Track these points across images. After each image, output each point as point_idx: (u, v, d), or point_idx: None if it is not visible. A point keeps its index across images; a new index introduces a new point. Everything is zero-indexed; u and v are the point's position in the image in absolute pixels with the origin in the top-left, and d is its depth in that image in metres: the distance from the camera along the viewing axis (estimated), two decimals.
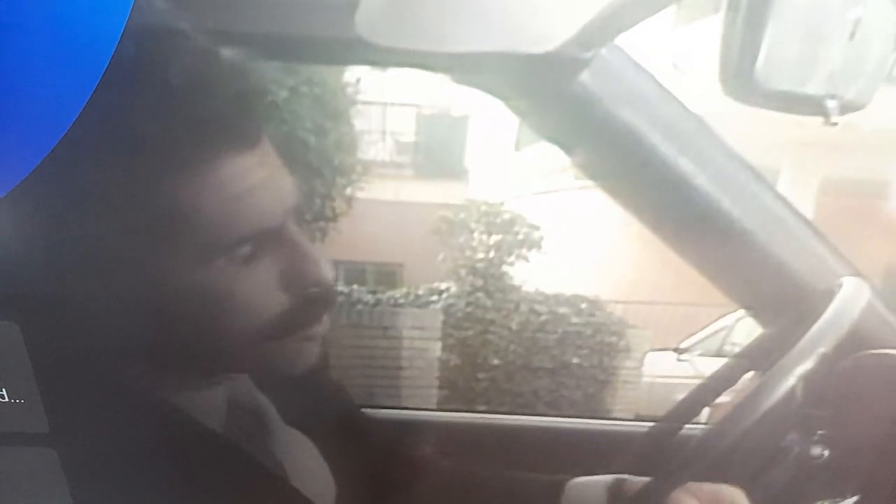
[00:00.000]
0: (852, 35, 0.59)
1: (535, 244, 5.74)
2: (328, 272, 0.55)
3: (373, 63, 0.86)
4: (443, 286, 5.66)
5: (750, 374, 0.87)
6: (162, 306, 0.51)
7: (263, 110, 0.52)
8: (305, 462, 0.64)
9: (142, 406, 0.53)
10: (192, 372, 0.57)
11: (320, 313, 0.57)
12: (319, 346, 0.58)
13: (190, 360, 0.56)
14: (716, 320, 5.85)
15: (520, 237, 5.72)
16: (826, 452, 0.78)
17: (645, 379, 5.36)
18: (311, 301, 0.55)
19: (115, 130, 0.45)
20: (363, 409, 0.79)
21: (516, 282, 5.58)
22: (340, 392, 0.75)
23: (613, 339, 5.28)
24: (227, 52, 0.50)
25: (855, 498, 0.70)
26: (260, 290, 0.52)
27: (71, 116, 0.40)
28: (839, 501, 0.73)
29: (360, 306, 5.69)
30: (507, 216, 5.84)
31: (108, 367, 0.52)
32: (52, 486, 0.46)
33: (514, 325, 5.29)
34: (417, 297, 5.69)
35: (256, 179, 0.50)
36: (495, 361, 5.07)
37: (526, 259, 5.68)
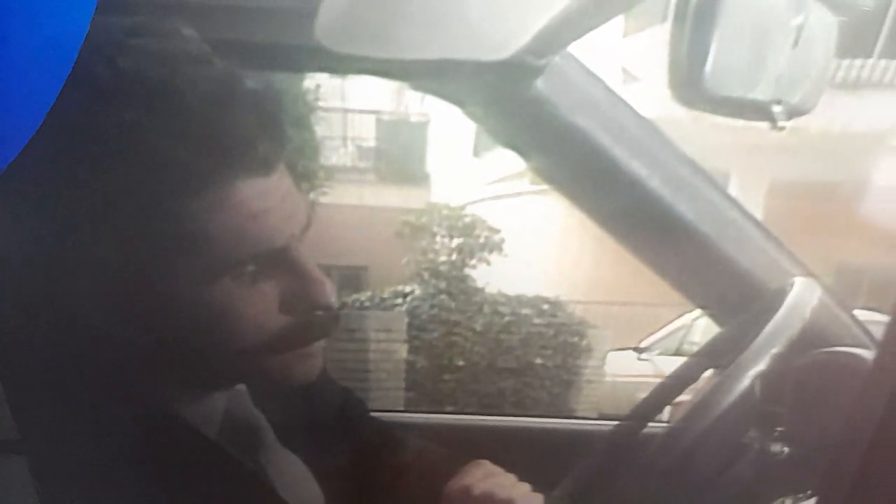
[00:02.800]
0: (796, 42, 0.61)
1: (495, 247, 5.78)
2: (332, 295, 0.55)
3: (332, 70, 0.86)
4: (407, 289, 5.66)
5: (709, 372, 0.88)
6: (163, 320, 0.50)
7: (284, 134, 0.52)
8: (297, 485, 0.63)
9: (114, 413, 0.51)
10: (189, 383, 0.56)
11: (322, 335, 0.56)
12: (318, 360, 0.58)
13: (187, 373, 0.55)
14: (674, 320, 5.95)
15: (481, 240, 5.76)
16: (785, 449, 0.80)
17: (607, 378, 5.43)
18: (314, 323, 0.54)
19: (126, 142, 0.45)
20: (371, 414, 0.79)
21: (479, 284, 5.61)
22: (342, 404, 0.75)
23: (575, 339, 5.34)
24: (249, 81, 0.51)
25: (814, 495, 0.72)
26: (264, 309, 0.52)
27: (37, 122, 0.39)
28: (800, 497, 0.74)
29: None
30: (467, 220, 5.87)
31: (96, 376, 0.51)
32: (22, 494, 0.45)
33: (478, 327, 5.31)
34: (382, 300, 5.69)
35: (270, 202, 0.50)
36: (461, 363, 5.08)
37: (487, 262, 5.72)
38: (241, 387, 0.62)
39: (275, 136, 0.51)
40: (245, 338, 0.52)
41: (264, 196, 0.50)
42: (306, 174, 4.81)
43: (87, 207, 0.47)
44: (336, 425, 0.72)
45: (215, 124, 0.47)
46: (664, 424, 0.98)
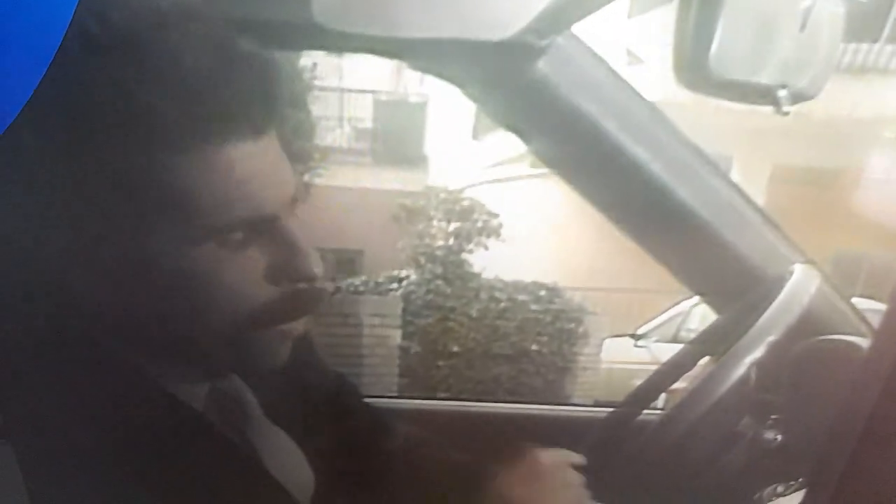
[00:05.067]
0: (803, 26, 0.60)
1: (493, 231, 5.78)
2: (317, 268, 0.54)
3: (329, 48, 0.85)
4: (402, 273, 5.66)
5: (705, 359, 0.88)
6: (147, 285, 0.50)
7: (277, 100, 0.51)
8: (285, 458, 0.63)
9: (97, 387, 0.51)
10: (175, 360, 0.55)
11: (307, 309, 0.56)
12: (300, 341, 0.57)
13: (172, 347, 0.54)
14: (671, 307, 5.97)
15: (478, 225, 5.75)
16: (779, 437, 0.80)
17: (603, 365, 5.46)
18: (298, 295, 0.54)
19: (105, 104, 0.44)
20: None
21: (476, 269, 5.62)
22: (332, 386, 0.74)
23: (572, 325, 5.36)
24: (244, 43, 0.50)
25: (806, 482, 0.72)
26: (249, 277, 0.51)
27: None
28: (792, 484, 0.75)
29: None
30: (465, 203, 5.86)
31: (78, 348, 0.50)
32: (8, 477, 0.45)
33: (473, 313, 5.32)
34: (377, 284, 5.69)
35: (258, 167, 0.50)
36: (455, 349, 5.10)
37: (485, 246, 5.71)
38: None
39: (267, 100, 0.51)
40: (229, 307, 0.51)
41: (252, 160, 0.49)
42: (301, 154, 4.79)
43: (71, 166, 0.46)
44: (326, 405, 0.71)
45: (207, 84, 0.46)
46: (660, 411, 0.98)
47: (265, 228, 0.51)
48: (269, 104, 0.51)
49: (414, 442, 0.74)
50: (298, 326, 0.57)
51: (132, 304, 0.51)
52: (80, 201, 0.47)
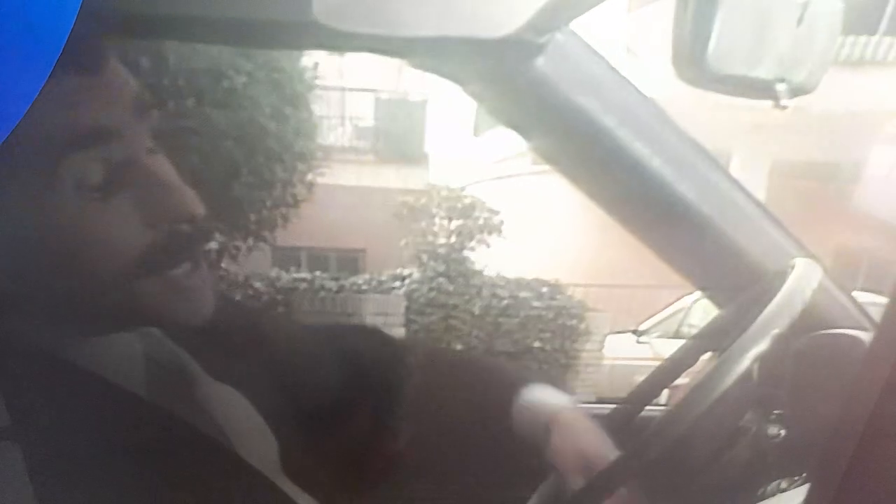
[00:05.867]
0: (800, 20, 0.60)
1: (495, 229, 5.78)
2: (195, 205, 0.53)
3: (330, 47, 0.85)
4: (405, 272, 5.67)
5: (707, 354, 0.88)
6: (35, 249, 0.49)
7: (102, 25, 0.50)
8: (240, 416, 0.63)
9: (101, 398, 0.52)
10: (86, 318, 0.54)
11: (192, 248, 0.55)
12: (205, 295, 0.56)
13: (77, 305, 0.53)
14: (673, 302, 5.96)
15: (480, 222, 5.75)
16: (782, 432, 0.80)
17: (606, 361, 5.45)
18: (180, 237, 0.53)
19: None
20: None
21: (477, 266, 5.62)
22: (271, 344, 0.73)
23: (574, 322, 5.36)
24: None
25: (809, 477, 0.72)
26: (123, 226, 0.50)
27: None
28: (795, 480, 0.75)
29: (323, 293, 5.65)
30: (467, 201, 5.86)
31: (30, 342, 0.50)
32: (14, 479, 0.45)
33: (476, 310, 5.33)
34: (380, 282, 5.69)
35: (95, 99, 0.48)
36: (458, 346, 5.10)
37: (487, 244, 5.71)
38: (155, 330, 0.61)
39: (88, 35, 0.50)
40: (111, 256, 0.50)
41: (85, 92, 0.48)
42: (303, 154, 4.80)
43: None
44: (271, 357, 0.71)
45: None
46: (662, 407, 0.98)
47: (124, 171, 0.50)
48: (91, 38, 0.49)
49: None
50: (199, 283, 0.55)
51: (16, 272, 0.49)
52: None
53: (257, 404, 0.65)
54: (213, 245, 4.21)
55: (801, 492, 0.70)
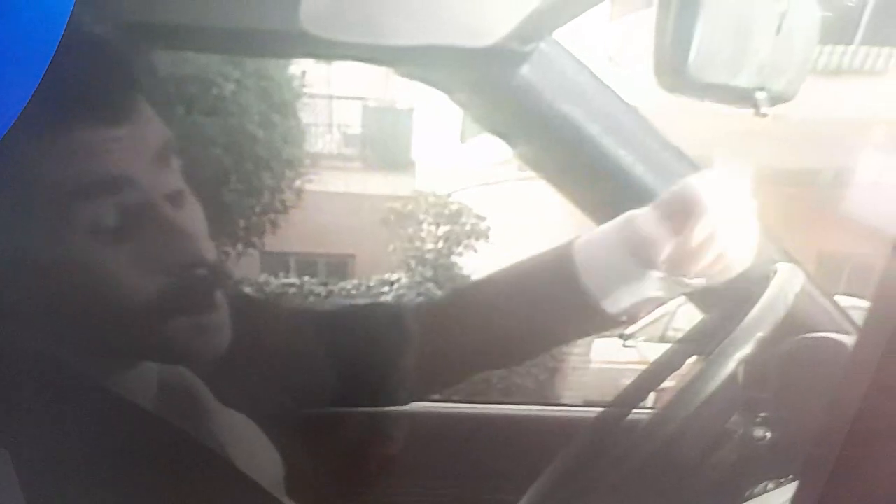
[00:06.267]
0: (779, 29, 0.61)
1: (482, 234, 5.78)
2: (209, 252, 0.53)
3: (318, 56, 0.85)
4: (394, 277, 5.66)
5: (693, 358, 0.89)
6: (40, 284, 0.49)
7: (136, 85, 0.51)
8: (248, 442, 0.63)
9: (91, 401, 0.52)
10: (98, 352, 0.54)
11: (205, 297, 0.55)
12: (221, 335, 0.56)
13: (89, 340, 0.53)
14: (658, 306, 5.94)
15: (467, 228, 5.75)
16: (768, 434, 0.80)
17: (592, 365, 5.45)
18: (193, 283, 0.53)
19: None
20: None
21: (465, 272, 5.61)
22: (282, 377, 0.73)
23: None
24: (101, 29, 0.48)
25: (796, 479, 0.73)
26: (135, 270, 0.50)
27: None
28: (782, 482, 0.75)
29: (312, 298, 5.62)
30: (454, 207, 5.86)
31: (36, 355, 0.50)
32: (4, 485, 0.45)
33: None
34: (369, 288, 5.67)
35: (118, 154, 0.48)
36: None
37: (474, 249, 5.71)
38: None
39: (122, 85, 0.50)
40: (126, 299, 0.51)
41: (107, 143, 0.48)
42: (291, 161, 4.79)
43: None
44: (286, 387, 0.71)
45: (52, 70, 0.45)
46: (649, 411, 0.98)
47: (138, 216, 0.50)
48: (122, 90, 0.50)
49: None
50: (216, 321, 0.55)
51: (34, 300, 0.50)
52: None
53: (267, 429, 0.65)
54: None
55: (787, 490, 0.71)
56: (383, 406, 0.78)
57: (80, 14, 0.47)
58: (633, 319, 0.75)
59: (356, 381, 0.73)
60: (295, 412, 0.69)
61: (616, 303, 0.72)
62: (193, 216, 0.54)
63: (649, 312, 0.76)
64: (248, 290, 5.08)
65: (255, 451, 0.62)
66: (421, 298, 5.29)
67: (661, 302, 0.74)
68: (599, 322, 0.73)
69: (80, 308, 0.51)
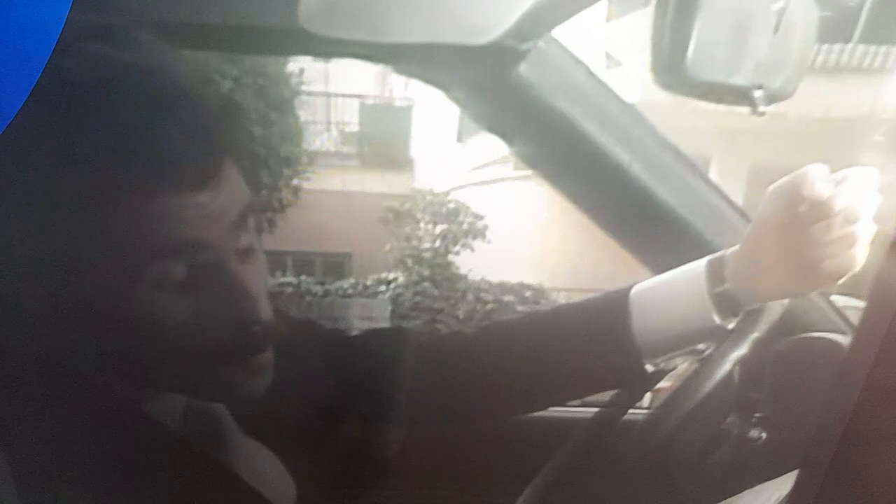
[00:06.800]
0: (777, 27, 0.61)
1: (479, 233, 5.79)
2: (265, 312, 0.54)
3: (316, 53, 0.85)
4: (391, 276, 5.67)
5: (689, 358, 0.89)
6: (101, 321, 0.50)
7: (224, 151, 0.52)
8: (265, 474, 0.63)
9: (93, 405, 0.52)
10: (138, 383, 0.56)
11: (260, 349, 0.56)
12: (267, 375, 0.57)
13: (133, 374, 0.54)
14: None
15: (464, 227, 5.77)
16: (763, 434, 0.80)
17: None
18: (244, 338, 0.54)
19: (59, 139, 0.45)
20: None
21: (462, 271, 5.63)
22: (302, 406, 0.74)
23: None
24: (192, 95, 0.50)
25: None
26: (192, 320, 0.51)
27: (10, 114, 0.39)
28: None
29: (308, 297, 5.64)
30: (451, 206, 5.88)
31: (58, 368, 0.51)
32: (1, 485, 0.45)
33: (461, 314, 5.33)
34: (366, 287, 5.69)
35: (201, 217, 0.50)
36: None
37: (471, 248, 5.72)
38: None
39: (212, 152, 0.50)
40: (174, 346, 0.52)
41: (191, 210, 0.49)
42: (289, 159, 4.79)
43: (21, 207, 0.46)
44: (312, 424, 0.71)
45: (145, 137, 0.47)
46: (645, 411, 0.98)
47: (206, 274, 0.51)
48: (212, 155, 0.51)
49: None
50: (265, 360, 0.56)
51: (86, 333, 0.51)
52: (24, 238, 0.47)
53: (286, 461, 0.65)
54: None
55: (783, 482, 0.71)
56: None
57: (178, 74, 0.49)
58: (660, 376, 0.73)
59: (375, 406, 0.73)
60: (316, 441, 0.69)
61: (656, 354, 0.70)
62: (258, 273, 0.55)
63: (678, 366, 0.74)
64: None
65: (269, 480, 0.62)
66: (418, 297, 5.30)
67: (696, 355, 0.71)
68: (633, 374, 0.71)
69: (127, 343, 0.52)
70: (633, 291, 0.71)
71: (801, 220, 0.61)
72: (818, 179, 0.60)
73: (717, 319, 0.66)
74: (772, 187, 0.64)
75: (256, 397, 0.57)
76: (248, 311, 0.53)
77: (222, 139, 0.52)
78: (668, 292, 0.70)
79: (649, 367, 0.71)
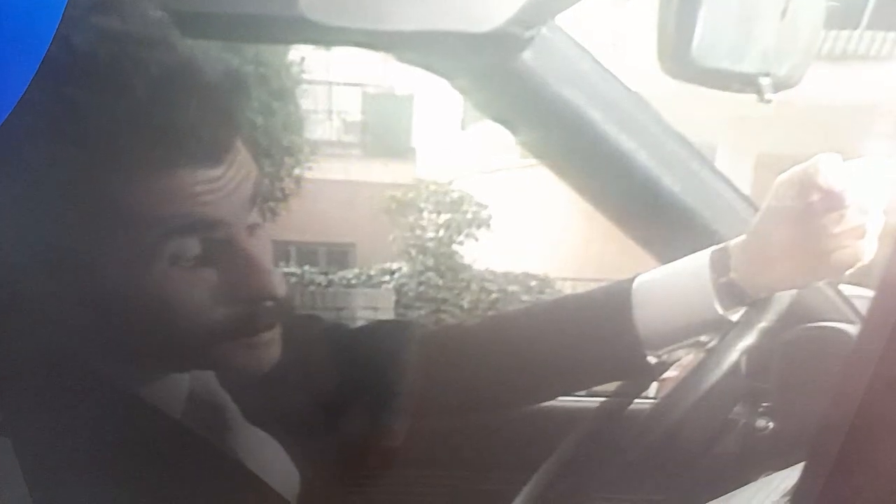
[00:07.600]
0: (784, 14, 0.60)
1: (483, 223, 5.79)
2: (280, 286, 0.54)
3: (317, 42, 0.85)
4: (394, 266, 5.68)
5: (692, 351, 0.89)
6: (111, 303, 0.50)
7: (236, 125, 0.51)
8: (269, 462, 0.63)
9: (97, 393, 0.52)
10: (146, 365, 0.56)
11: (272, 324, 0.56)
12: (272, 350, 0.57)
13: (142, 356, 0.55)
14: None
15: (468, 216, 5.76)
16: (770, 424, 0.80)
17: None
18: (258, 313, 0.54)
19: (62, 122, 0.44)
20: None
21: (466, 260, 5.63)
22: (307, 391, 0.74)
23: None
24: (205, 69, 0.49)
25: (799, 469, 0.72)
26: (206, 296, 0.51)
27: (11, 101, 0.38)
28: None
29: (312, 287, 5.66)
30: (455, 195, 5.87)
31: (63, 356, 0.51)
32: (7, 474, 0.46)
33: (465, 304, 5.34)
34: (370, 277, 5.70)
35: (213, 192, 0.49)
36: None
37: (475, 238, 5.73)
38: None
39: (225, 127, 0.50)
40: (188, 323, 0.52)
41: (206, 185, 0.49)
42: (291, 149, 4.79)
43: (29, 186, 0.46)
44: (316, 410, 0.71)
45: (159, 111, 0.46)
46: (651, 400, 0.98)
47: (222, 249, 0.51)
48: (226, 130, 0.51)
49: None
50: (268, 339, 0.56)
51: (100, 318, 0.51)
52: (33, 216, 0.47)
53: (290, 450, 0.65)
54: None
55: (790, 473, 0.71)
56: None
57: (188, 57, 0.49)
58: (664, 368, 0.73)
59: (379, 397, 0.73)
60: (320, 430, 0.69)
61: (658, 345, 0.70)
62: (265, 248, 0.55)
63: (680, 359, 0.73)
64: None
65: (273, 468, 0.63)
66: (422, 287, 5.31)
67: (699, 347, 0.70)
68: (635, 366, 0.71)
69: (139, 322, 0.52)
70: (635, 282, 0.71)
71: (813, 210, 0.60)
72: (833, 169, 0.59)
73: (719, 310, 0.66)
74: (782, 176, 0.63)
75: (262, 372, 0.56)
76: (262, 285, 0.53)
77: (234, 113, 0.52)
78: (671, 283, 0.70)
79: (651, 359, 0.70)
